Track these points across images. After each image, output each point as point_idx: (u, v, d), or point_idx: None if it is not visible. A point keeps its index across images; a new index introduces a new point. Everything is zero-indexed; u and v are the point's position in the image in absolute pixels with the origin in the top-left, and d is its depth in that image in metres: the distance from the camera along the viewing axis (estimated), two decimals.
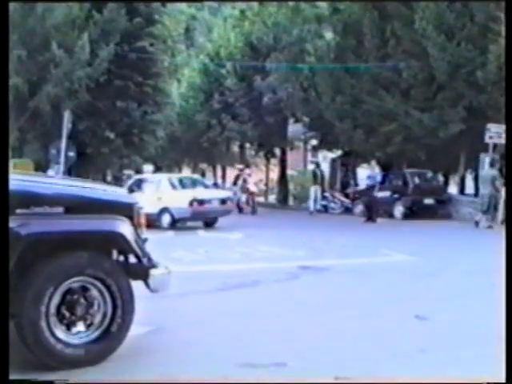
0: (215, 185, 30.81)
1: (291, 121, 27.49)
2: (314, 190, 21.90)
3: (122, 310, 4.35)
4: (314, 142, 27.65)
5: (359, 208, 20.43)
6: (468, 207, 18.95)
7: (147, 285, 4.53)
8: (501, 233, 11.36)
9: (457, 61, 17.99)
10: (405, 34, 19.18)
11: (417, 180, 20.10)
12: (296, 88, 23.65)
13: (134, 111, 23.19)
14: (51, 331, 4.08)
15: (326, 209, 22.40)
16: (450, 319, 5.78)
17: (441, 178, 22.87)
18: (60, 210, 4.23)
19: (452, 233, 15.46)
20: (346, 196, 23.16)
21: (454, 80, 18.34)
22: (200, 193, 16.98)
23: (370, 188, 19.29)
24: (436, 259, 10.10)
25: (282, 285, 7.94)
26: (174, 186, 17.25)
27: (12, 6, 15.31)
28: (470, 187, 23.61)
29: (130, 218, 4.52)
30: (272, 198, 32.40)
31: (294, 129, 27.80)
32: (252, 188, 23.15)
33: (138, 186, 17.29)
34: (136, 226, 4.57)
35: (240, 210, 22.50)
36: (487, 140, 17.46)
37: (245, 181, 23.35)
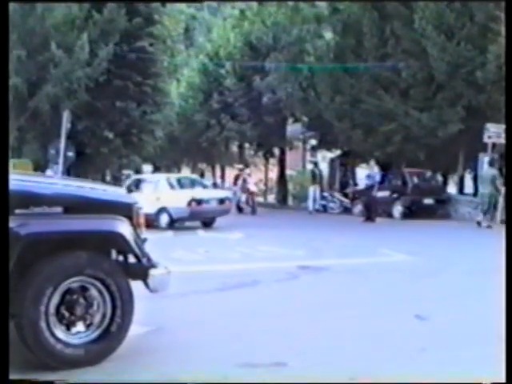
0: (214, 185, 30.84)
1: (290, 121, 27.46)
2: (313, 190, 21.89)
3: (122, 309, 4.35)
4: (313, 141, 27.61)
5: (358, 208, 20.43)
6: (467, 207, 18.97)
7: (147, 285, 4.53)
8: (500, 232, 11.34)
9: (456, 60, 17.97)
10: (404, 34, 19.15)
11: (416, 180, 20.08)
12: (295, 88, 23.60)
13: (134, 111, 23.19)
14: (51, 331, 4.08)
15: (325, 209, 22.39)
16: (450, 319, 5.77)
17: (440, 178, 22.83)
18: (59, 210, 4.23)
19: (451, 232, 15.46)
20: (345, 196, 23.15)
21: (454, 80, 18.33)
22: (198, 193, 16.98)
23: (369, 188, 19.24)
24: (435, 259, 10.10)
25: (282, 285, 7.94)
26: (172, 186, 17.24)
27: (12, 6, 15.32)
28: (468, 187, 23.61)
29: (130, 218, 4.52)
30: (271, 198, 32.38)
31: (293, 129, 27.77)
32: (252, 188, 23.12)
33: (136, 186, 17.32)
34: (135, 226, 4.57)
35: (240, 209, 22.49)
36: (486, 140, 17.47)
37: (245, 181, 23.31)
